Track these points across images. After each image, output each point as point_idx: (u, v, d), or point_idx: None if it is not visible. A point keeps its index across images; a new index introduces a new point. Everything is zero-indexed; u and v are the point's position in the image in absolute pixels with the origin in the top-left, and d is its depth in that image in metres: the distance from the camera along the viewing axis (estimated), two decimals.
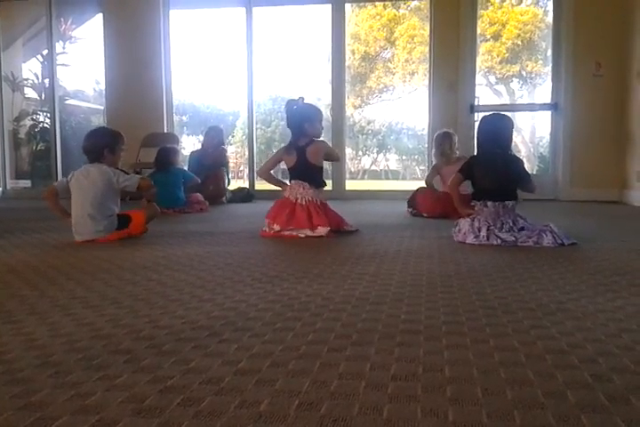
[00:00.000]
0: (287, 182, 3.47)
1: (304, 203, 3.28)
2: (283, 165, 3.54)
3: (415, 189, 4.72)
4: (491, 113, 3.30)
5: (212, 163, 6.02)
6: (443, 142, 4.63)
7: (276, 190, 3.56)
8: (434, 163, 4.84)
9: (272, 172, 3.62)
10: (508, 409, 0.93)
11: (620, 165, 6.03)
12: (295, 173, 3.41)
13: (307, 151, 3.37)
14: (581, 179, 6.20)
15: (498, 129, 3.12)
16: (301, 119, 3.40)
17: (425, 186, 4.72)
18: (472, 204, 3.09)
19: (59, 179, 7.27)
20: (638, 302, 1.66)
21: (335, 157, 3.74)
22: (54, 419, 0.91)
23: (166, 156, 5.16)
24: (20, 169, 8.30)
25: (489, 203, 2.99)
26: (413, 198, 4.61)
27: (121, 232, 3.12)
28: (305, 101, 3.49)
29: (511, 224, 2.95)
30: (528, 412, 0.92)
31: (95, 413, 0.93)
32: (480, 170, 3.07)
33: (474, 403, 0.96)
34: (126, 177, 3.18)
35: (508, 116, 3.24)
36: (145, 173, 6.04)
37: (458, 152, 4.67)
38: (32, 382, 1.06)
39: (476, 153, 3.19)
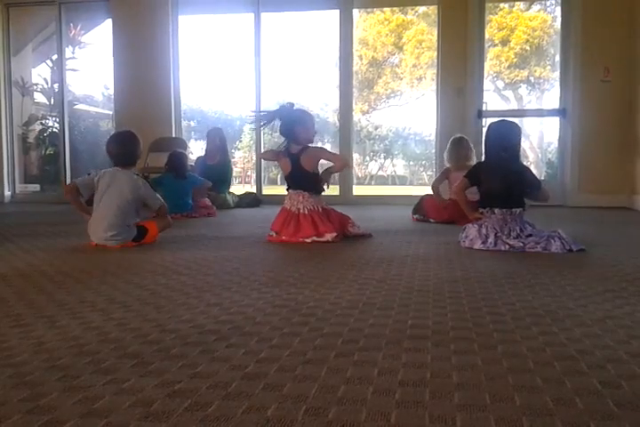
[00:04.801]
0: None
1: (307, 212, 3.27)
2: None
3: (422, 195, 4.71)
4: (499, 120, 3.27)
5: (215, 164, 6.07)
6: (455, 147, 4.60)
7: (283, 196, 3.52)
8: (445, 167, 4.77)
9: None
10: (517, 416, 0.93)
11: (628, 170, 6.00)
12: (291, 181, 3.38)
13: (300, 159, 3.32)
14: (589, 185, 6.17)
15: (506, 136, 3.08)
16: (292, 124, 3.33)
17: (431, 193, 4.71)
18: (479, 210, 3.07)
19: (67, 183, 7.32)
20: None
21: (338, 164, 3.42)
22: (62, 422, 0.91)
23: (182, 162, 5.14)
24: (29, 173, 8.33)
25: (496, 210, 2.98)
26: (420, 205, 4.59)
27: (135, 244, 3.10)
28: (294, 106, 3.41)
29: (518, 231, 2.93)
30: (537, 419, 0.92)
31: (103, 416, 0.93)
32: (487, 176, 3.05)
33: (482, 409, 0.95)
34: (153, 195, 3.19)
35: (516, 123, 3.19)
36: (152, 177, 6.08)
37: (474, 158, 4.58)
38: (40, 386, 1.07)
39: (482, 160, 3.17)
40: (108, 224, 3.03)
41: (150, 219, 3.31)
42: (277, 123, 3.40)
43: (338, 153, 3.39)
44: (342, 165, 3.49)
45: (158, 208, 3.25)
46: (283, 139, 3.43)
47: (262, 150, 7.23)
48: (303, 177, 3.34)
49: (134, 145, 3.21)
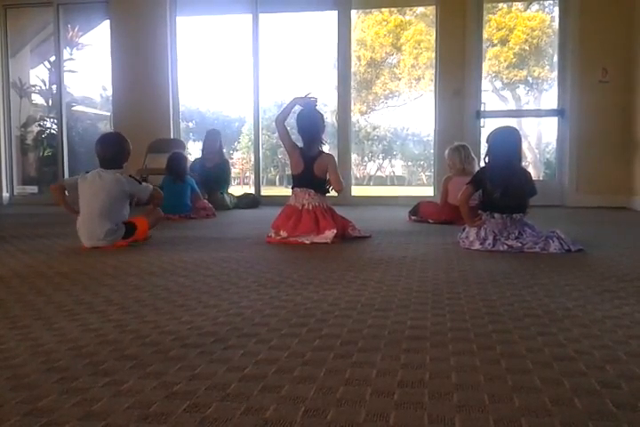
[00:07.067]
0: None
1: (311, 208, 3.30)
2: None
3: (420, 201, 4.73)
4: (500, 127, 3.30)
5: (214, 165, 6.11)
6: (454, 154, 4.59)
7: (282, 197, 3.53)
8: (445, 177, 4.72)
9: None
10: (516, 416, 0.93)
11: (626, 171, 6.00)
12: (300, 181, 3.40)
13: (315, 164, 3.36)
14: (588, 185, 6.17)
15: (509, 143, 3.10)
16: (320, 125, 3.42)
17: (427, 200, 4.76)
18: (478, 212, 3.07)
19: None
20: None
21: (336, 187, 3.39)
22: (61, 425, 0.91)
23: (181, 165, 5.15)
24: (27, 175, 8.33)
25: (496, 214, 2.98)
26: (417, 208, 4.61)
27: (127, 241, 3.11)
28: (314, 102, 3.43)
29: (517, 235, 2.94)
30: (535, 419, 0.91)
31: (102, 419, 0.93)
32: (491, 182, 3.05)
33: (481, 410, 0.95)
34: (140, 187, 3.18)
35: (517, 130, 3.28)
36: (150, 179, 6.07)
37: (475, 164, 4.56)
38: (38, 388, 1.06)
39: (485, 166, 3.16)
40: (96, 225, 3.03)
41: (139, 215, 3.29)
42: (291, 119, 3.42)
43: (341, 178, 3.45)
44: (338, 190, 3.48)
45: (151, 195, 3.22)
46: (280, 140, 3.43)
47: (260, 151, 7.22)
48: (312, 179, 3.38)
49: (118, 147, 3.16)
